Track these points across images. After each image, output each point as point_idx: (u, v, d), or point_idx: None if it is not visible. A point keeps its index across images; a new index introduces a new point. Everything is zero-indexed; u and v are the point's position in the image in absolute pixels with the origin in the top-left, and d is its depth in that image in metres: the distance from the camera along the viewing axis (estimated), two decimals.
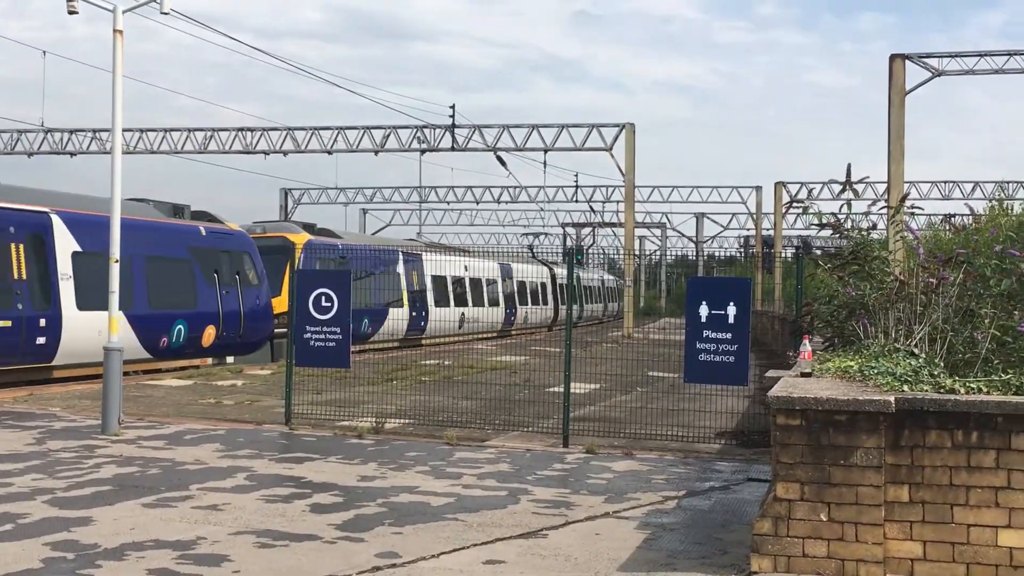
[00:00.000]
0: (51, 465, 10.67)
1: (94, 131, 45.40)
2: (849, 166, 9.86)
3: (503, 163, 44.56)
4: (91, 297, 19.72)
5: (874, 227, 10.27)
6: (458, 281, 38.59)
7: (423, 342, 34.14)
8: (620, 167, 41.05)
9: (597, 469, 11.31)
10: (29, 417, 14.41)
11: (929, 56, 29.31)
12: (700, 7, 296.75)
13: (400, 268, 33.71)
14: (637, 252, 66.63)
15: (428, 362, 23.57)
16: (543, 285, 49.52)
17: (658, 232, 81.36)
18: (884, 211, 11.77)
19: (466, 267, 38.63)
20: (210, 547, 7.51)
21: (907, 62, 28.35)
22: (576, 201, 64.77)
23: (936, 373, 7.45)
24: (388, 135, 43.81)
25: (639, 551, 7.65)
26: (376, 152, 44.34)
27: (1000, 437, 6.57)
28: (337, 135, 44.30)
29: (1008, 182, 52.54)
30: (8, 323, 18.44)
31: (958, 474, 6.64)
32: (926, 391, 6.95)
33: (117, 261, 13.83)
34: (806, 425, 6.71)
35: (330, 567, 7.08)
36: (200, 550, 7.41)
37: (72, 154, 45.89)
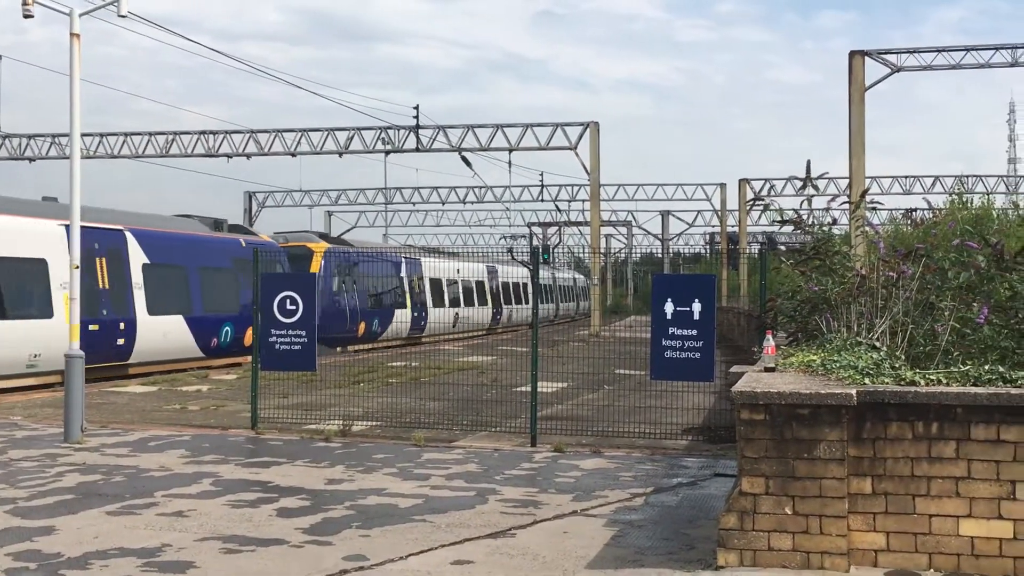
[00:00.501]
0: (12, 475, 10.56)
1: (53, 136, 44.95)
2: (808, 163, 9.99)
3: (468, 163, 44.56)
4: (159, 303, 23.10)
5: (834, 222, 10.39)
6: (452, 283, 41.53)
7: (423, 340, 36.83)
8: (585, 166, 41.17)
9: (565, 467, 11.34)
10: None
11: (888, 52, 29.64)
12: (662, 6, 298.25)
13: (403, 272, 36.98)
14: (603, 250, 66.82)
15: (395, 364, 23.53)
16: (524, 285, 52.23)
17: (624, 230, 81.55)
18: (845, 206, 11.88)
19: (458, 270, 41.65)
20: (176, 554, 7.46)
21: (866, 58, 28.65)
22: (542, 200, 64.79)
23: (897, 366, 7.54)
24: (352, 137, 43.69)
25: (607, 548, 7.69)
26: (340, 154, 44.20)
27: (960, 427, 6.66)
28: (301, 137, 44.11)
29: (967, 176, 53.29)
30: (97, 327, 21.26)
31: (919, 465, 6.72)
32: (887, 383, 7.03)
33: (78, 267, 13.70)
34: (770, 419, 6.77)
35: (297, 571, 7.06)
36: (166, 557, 7.37)
37: (31, 159, 45.39)
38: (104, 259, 22.09)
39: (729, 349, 28.95)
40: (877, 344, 8.15)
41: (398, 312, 35.15)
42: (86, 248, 19.80)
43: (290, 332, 13.81)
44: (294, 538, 7.99)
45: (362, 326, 32.97)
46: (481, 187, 63.40)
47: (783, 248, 12.28)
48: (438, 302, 39.73)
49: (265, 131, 44.67)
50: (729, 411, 12.67)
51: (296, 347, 13.80)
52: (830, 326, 8.85)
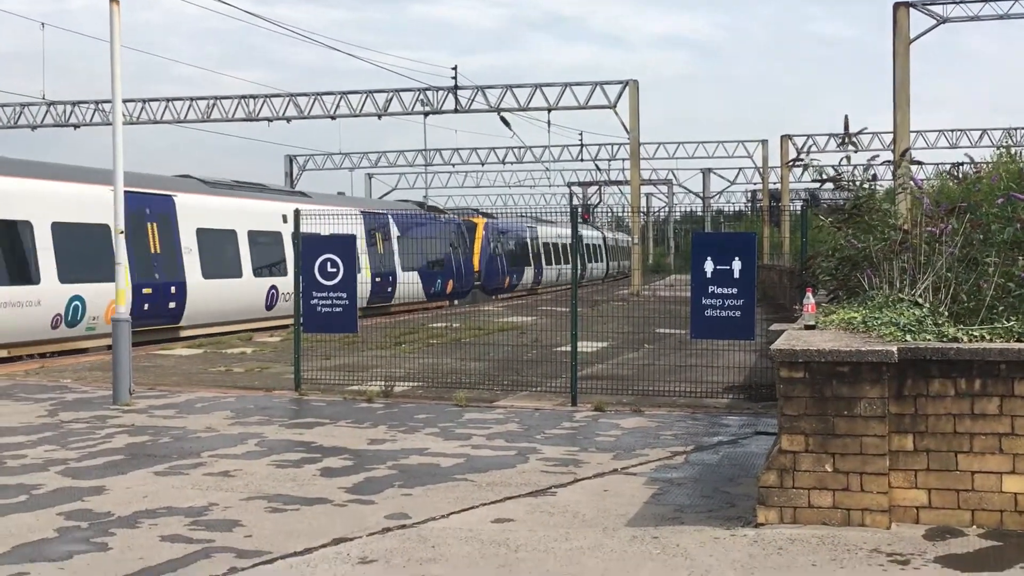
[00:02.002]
0: (63, 436, 10.78)
1: (96, 103, 45.30)
2: (847, 118, 9.85)
3: (507, 124, 44.40)
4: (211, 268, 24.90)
5: (874, 179, 10.25)
6: (554, 245, 52.80)
7: (539, 291, 47.80)
8: (624, 124, 40.88)
9: (605, 426, 11.38)
10: (40, 389, 14.53)
11: (933, 3, 29.03)
12: None
13: (527, 238, 48.94)
14: (644, 209, 66.48)
15: (437, 325, 23.65)
16: (596, 247, 62.49)
17: (665, 189, 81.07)
18: (887, 163, 11.74)
19: (557, 233, 53.36)
20: (222, 513, 7.59)
21: (911, 10, 28.08)
22: (581, 160, 64.52)
23: (940, 322, 7.47)
24: (391, 99, 43.65)
25: (647, 506, 7.72)
26: (379, 116, 44.19)
27: (1003, 384, 6.60)
28: (340, 100, 44.15)
29: (1016, 128, 52.19)
30: (150, 290, 22.70)
31: (962, 422, 6.68)
32: (929, 340, 6.97)
33: (123, 232, 13.86)
34: (809, 377, 6.74)
35: (341, 529, 7.17)
36: (212, 516, 7.50)
37: (75, 126, 45.84)
38: (155, 224, 23.56)
39: (771, 307, 28.76)
40: (919, 301, 8.07)
41: (526, 270, 47.75)
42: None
43: (331, 294, 13.91)
44: (337, 497, 8.10)
45: (507, 280, 44.77)
46: (520, 147, 63.23)
47: (826, 205, 12.14)
48: (548, 261, 51.20)
49: (304, 94, 44.78)
50: (771, 369, 12.63)
51: (337, 309, 13.91)
52: (871, 283, 8.77)
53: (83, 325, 20.85)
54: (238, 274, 25.87)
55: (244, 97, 45.16)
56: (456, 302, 36.44)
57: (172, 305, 23.51)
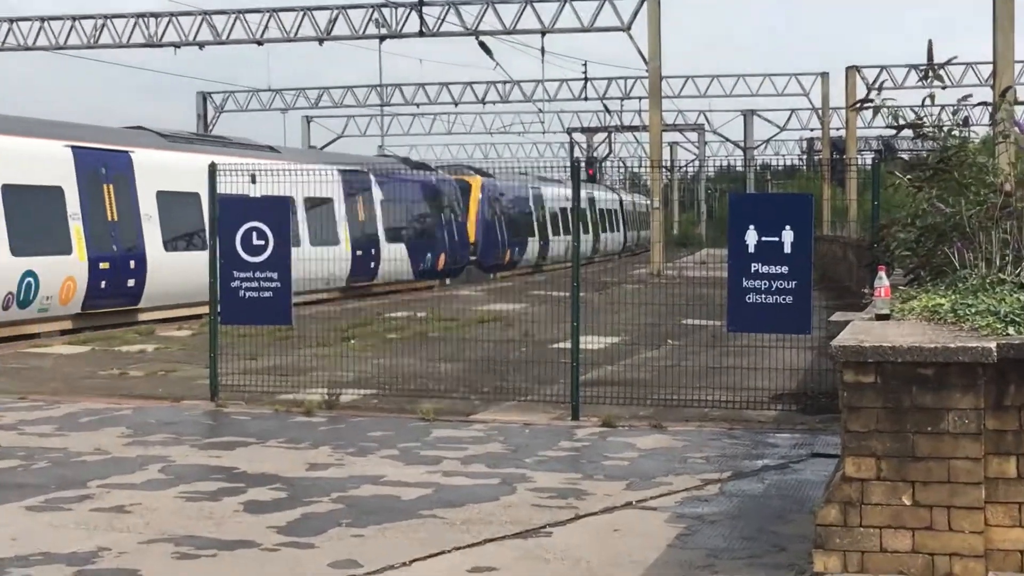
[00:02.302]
0: None
1: None
2: (931, 44, 9.82)
3: (488, 52, 44.36)
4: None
5: (966, 124, 10.26)
6: (562, 212, 53.53)
7: (544, 269, 49.24)
8: (642, 52, 40.87)
9: (616, 447, 11.40)
10: None
11: None
12: None
13: (531, 203, 50.96)
14: (667, 164, 66.58)
15: (396, 315, 23.65)
16: (611, 212, 64.94)
17: (694, 137, 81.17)
18: (984, 103, 11.75)
19: (567, 196, 51.78)
20: (115, 560, 7.59)
21: None
22: (585, 99, 64.51)
23: None
24: (336, 17, 43.58)
25: (670, 551, 7.75)
26: (320, 41, 44.12)
27: None
28: (268, 19, 44.08)
29: None
30: (107, 264, 24.20)
31: None
32: None
33: None
34: (882, 382, 6.75)
35: None
36: (103, 564, 7.50)
37: None
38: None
39: (832, 291, 28.90)
40: None
41: (530, 241, 49.12)
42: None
43: (257, 275, 13.88)
44: (266, 539, 8.09)
45: (508, 254, 46.52)
46: (506, 83, 63.18)
47: (903, 159, 12.16)
48: (556, 231, 52.29)
49: (222, 12, 44.68)
50: (831, 372, 12.68)
51: (266, 294, 13.89)
52: (963, 260, 8.79)
53: (35, 306, 21.96)
54: (203, 246, 25.76)
55: (143, 16, 45.03)
56: (448, 281, 38.15)
57: (131, 283, 24.56)
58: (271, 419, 13.08)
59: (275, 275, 13.89)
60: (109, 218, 24.42)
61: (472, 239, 42.95)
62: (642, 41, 40.70)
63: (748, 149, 74.61)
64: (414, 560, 7.61)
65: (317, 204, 30.29)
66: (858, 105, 11.91)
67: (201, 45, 44.69)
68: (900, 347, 6.71)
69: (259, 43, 44.43)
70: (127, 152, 25.43)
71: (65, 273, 22.94)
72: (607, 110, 66.35)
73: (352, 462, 10.74)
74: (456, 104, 66.70)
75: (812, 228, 12.20)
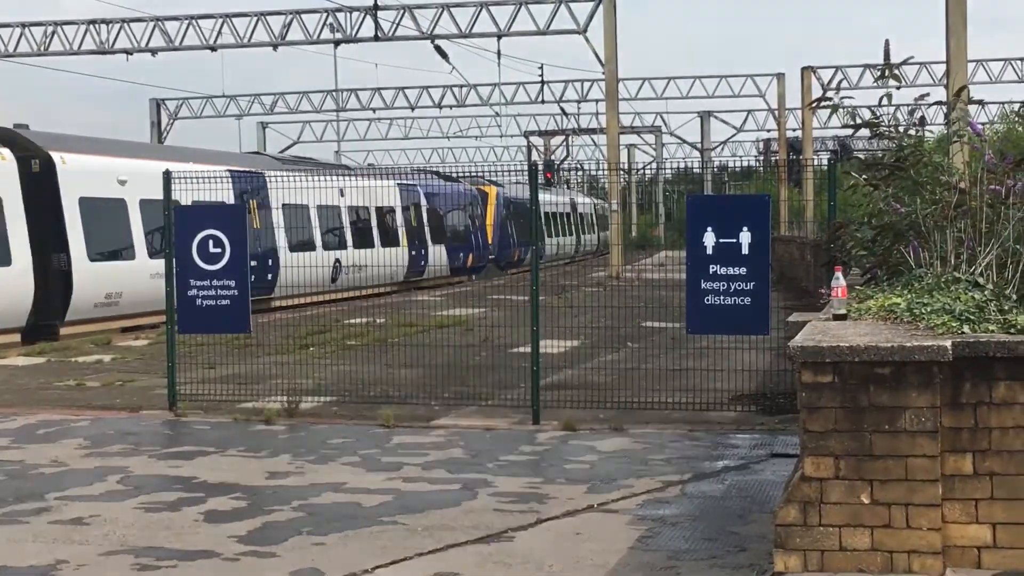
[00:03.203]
0: None
1: None
2: (887, 44, 9.92)
3: (444, 55, 44.38)
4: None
5: (922, 123, 10.36)
6: (554, 216, 61.80)
7: (541, 267, 51.86)
8: (598, 55, 40.99)
9: (578, 450, 11.45)
10: None
11: None
12: None
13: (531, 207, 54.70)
14: (624, 166, 66.68)
15: (355, 321, 23.60)
16: (566, 215, 67.46)
17: (652, 139, 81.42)
18: (938, 103, 11.86)
19: (556, 203, 61.79)
20: (75, 573, 7.56)
21: None
22: (542, 102, 64.65)
23: (1007, 308, 7.57)
24: (290, 22, 43.46)
25: (632, 553, 7.79)
26: (275, 46, 43.99)
27: None
28: (222, 25, 43.89)
29: None
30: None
31: None
32: (993, 332, 7.07)
33: None
34: (840, 382, 6.81)
35: None
36: None
37: None
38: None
39: (791, 292, 29.09)
40: (980, 281, 8.18)
41: (548, 241, 56.43)
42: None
43: (215, 283, 13.86)
44: (227, 549, 8.09)
45: (517, 253, 52.93)
46: (462, 86, 63.17)
47: (859, 158, 12.24)
48: (550, 233, 59.00)
49: (174, 18, 44.44)
50: (790, 372, 12.77)
51: (223, 302, 13.86)
52: (919, 259, 8.88)
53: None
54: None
55: (94, 22, 44.71)
56: (474, 277, 44.23)
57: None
58: (230, 428, 13.05)
59: (232, 283, 13.87)
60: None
61: (490, 241, 49.77)
62: (598, 44, 40.83)
63: (705, 151, 74.90)
64: (376, 567, 7.63)
65: (386, 212, 38.56)
66: (815, 104, 12.00)
67: (154, 52, 44.43)
68: (857, 347, 6.77)
69: (212, 49, 44.26)
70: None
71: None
72: (564, 113, 66.51)
73: (313, 470, 10.73)
74: (413, 108, 66.70)
75: (769, 229, 12.29)
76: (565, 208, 66.15)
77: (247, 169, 29.84)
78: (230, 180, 25.77)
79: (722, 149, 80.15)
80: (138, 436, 12.61)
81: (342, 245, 34.25)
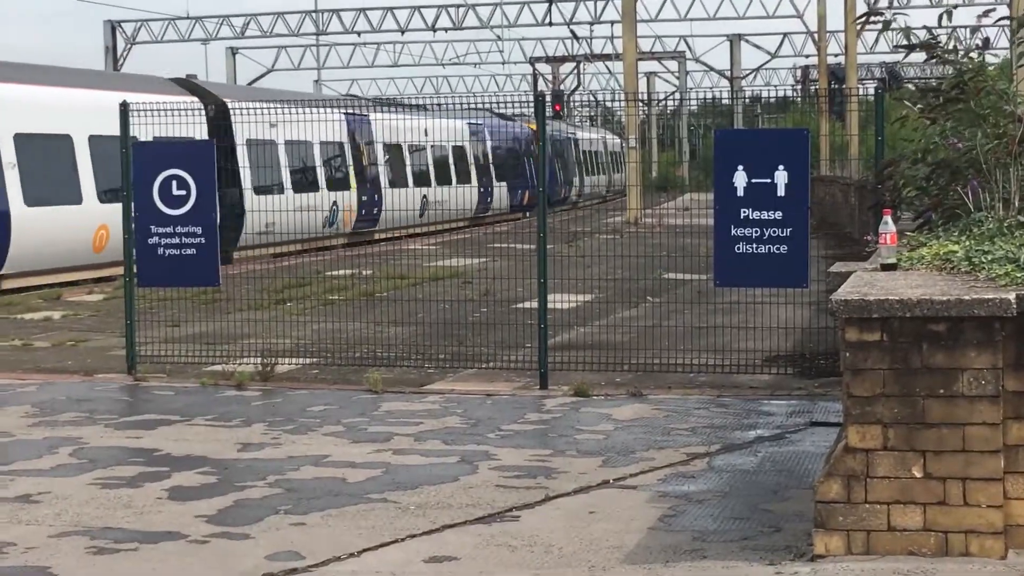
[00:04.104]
0: None
1: None
2: None
3: None
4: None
5: (986, 45, 10.30)
6: (592, 155, 69.51)
7: (578, 205, 61.10)
8: None
9: (591, 418, 11.44)
10: None
11: None
12: None
13: (571, 145, 63.99)
14: (644, 97, 66.43)
15: (338, 272, 23.59)
16: (596, 153, 72.70)
17: (674, 66, 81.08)
18: (1004, 23, 11.78)
19: (590, 139, 69.96)
20: (23, 556, 7.56)
21: None
22: (550, 24, 64.41)
23: None
24: None
25: (653, 534, 7.79)
26: None
27: None
28: None
29: None
30: None
31: None
32: None
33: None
34: (889, 340, 6.80)
35: None
36: (8, 562, 7.46)
37: None
38: None
39: (832, 239, 29.01)
40: None
41: (574, 180, 62.59)
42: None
43: (179, 229, 13.83)
44: (195, 530, 8.08)
45: (563, 192, 58.73)
46: (459, 6, 62.87)
47: (911, 87, 12.18)
48: (588, 171, 66.97)
49: None
50: (832, 330, 12.76)
51: (188, 251, 13.84)
52: (979, 200, 8.85)
53: None
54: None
55: None
56: (528, 214, 47.02)
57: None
58: (197, 394, 13.04)
59: (199, 230, 13.83)
60: None
61: None
62: None
63: (735, 79, 74.64)
64: (363, 550, 7.62)
65: (459, 151, 44.52)
66: (862, 21, 11.97)
67: None
68: (909, 300, 6.76)
69: None
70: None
71: None
72: (575, 36, 66.29)
73: (291, 441, 10.72)
74: (403, 32, 66.46)
75: (808, 168, 12.25)
76: (597, 146, 70.99)
77: (352, 111, 37.17)
78: (344, 120, 35.63)
79: (754, 77, 79.91)
80: (93, 403, 12.60)
81: (427, 182, 39.90)
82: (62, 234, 25.51)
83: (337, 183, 35.74)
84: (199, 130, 24.15)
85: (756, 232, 12.04)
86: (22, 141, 24.62)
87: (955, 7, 10.42)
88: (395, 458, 10.02)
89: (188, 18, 65.25)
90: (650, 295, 18.42)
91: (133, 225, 14.08)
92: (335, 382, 13.64)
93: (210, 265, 13.95)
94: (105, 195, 25.85)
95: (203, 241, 13.84)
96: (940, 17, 10.56)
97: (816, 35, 62.68)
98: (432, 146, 40.46)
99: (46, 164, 25.48)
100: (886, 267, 7.93)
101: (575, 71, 76.67)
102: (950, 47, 10.11)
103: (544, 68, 77.35)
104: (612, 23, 61.62)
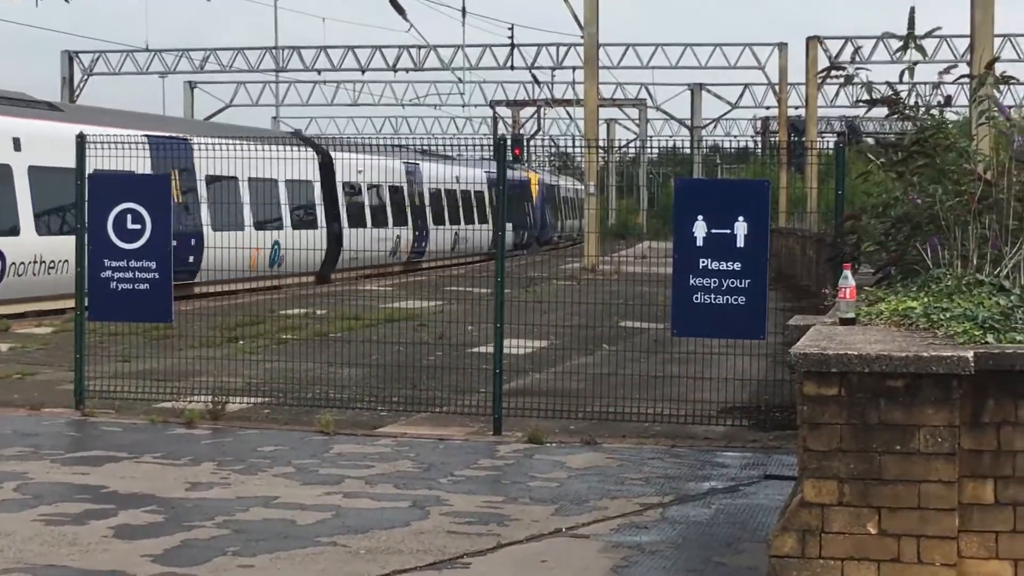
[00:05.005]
0: None
1: None
2: (912, 11, 9.94)
3: (400, 10, 44.28)
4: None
5: (948, 102, 10.39)
6: (568, 201, 76.36)
7: (560, 246, 68.42)
8: (576, 16, 40.99)
9: (544, 466, 11.43)
10: None
11: None
12: None
13: (556, 192, 73.03)
14: (604, 143, 66.75)
15: (292, 312, 23.51)
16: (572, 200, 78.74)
17: (635, 114, 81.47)
18: (964, 80, 11.90)
19: (567, 187, 77.30)
20: None
21: None
22: (511, 68, 64.55)
23: None
24: None
25: None
26: None
27: None
28: None
29: None
30: None
31: None
32: (1020, 342, 7.09)
33: None
34: (847, 395, 6.82)
35: None
36: None
37: None
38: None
39: (790, 291, 29.19)
40: (1006, 284, 8.21)
41: (556, 223, 70.66)
42: None
43: (132, 264, 13.78)
44: (141, 570, 8.04)
45: (551, 234, 65.62)
46: (421, 47, 63.01)
47: (871, 141, 12.27)
48: (567, 215, 74.88)
49: None
50: (788, 383, 12.80)
51: (142, 286, 13.79)
52: (938, 257, 8.91)
53: None
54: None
55: None
56: (525, 252, 52.21)
57: None
58: (146, 430, 12.96)
59: (153, 264, 13.78)
60: None
61: (535, 221, 62.44)
62: (577, 3, 40.81)
63: (696, 128, 75.06)
64: None
65: (476, 195, 52.52)
66: (824, 74, 12.07)
67: None
68: (868, 356, 6.78)
69: None
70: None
71: None
72: (536, 81, 66.53)
73: (240, 481, 10.67)
74: (363, 71, 66.47)
75: (768, 219, 12.31)
76: (572, 193, 76.52)
77: (408, 160, 45.31)
78: (404, 168, 44.08)
79: (715, 127, 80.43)
80: (38, 438, 12.50)
81: (457, 221, 48.57)
82: None
83: (398, 220, 43.04)
84: (315, 174, 35.23)
85: (715, 282, 12.08)
86: None
87: (916, 64, 10.49)
88: (346, 501, 9.98)
89: (147, 50, 65.12)
90: (606, 343, 18.42)
91: (86, 259, 14.00)
92: (286, 422, 13.58)
93: (163, 300, 13.90)
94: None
95: (157, 276, 13.79)
96: (902, 73, 10.66)
97: (777, 87, 63.27)
98: (462, 192, 51.17)
99: None
100: (845, 321, 7.97)
101: (535, 115, 76.91)
102: (912, 103, 10.21)
103: (504, 112, 77.63)
104: (574, 69, 61.90)
